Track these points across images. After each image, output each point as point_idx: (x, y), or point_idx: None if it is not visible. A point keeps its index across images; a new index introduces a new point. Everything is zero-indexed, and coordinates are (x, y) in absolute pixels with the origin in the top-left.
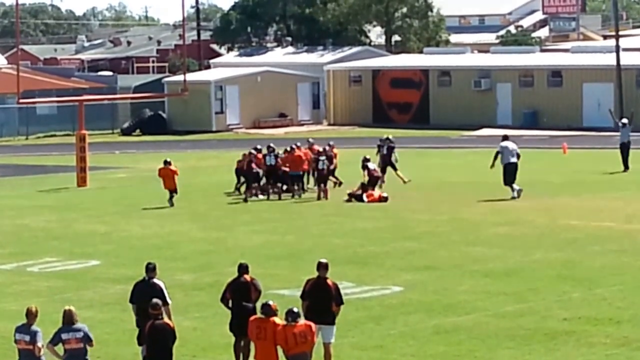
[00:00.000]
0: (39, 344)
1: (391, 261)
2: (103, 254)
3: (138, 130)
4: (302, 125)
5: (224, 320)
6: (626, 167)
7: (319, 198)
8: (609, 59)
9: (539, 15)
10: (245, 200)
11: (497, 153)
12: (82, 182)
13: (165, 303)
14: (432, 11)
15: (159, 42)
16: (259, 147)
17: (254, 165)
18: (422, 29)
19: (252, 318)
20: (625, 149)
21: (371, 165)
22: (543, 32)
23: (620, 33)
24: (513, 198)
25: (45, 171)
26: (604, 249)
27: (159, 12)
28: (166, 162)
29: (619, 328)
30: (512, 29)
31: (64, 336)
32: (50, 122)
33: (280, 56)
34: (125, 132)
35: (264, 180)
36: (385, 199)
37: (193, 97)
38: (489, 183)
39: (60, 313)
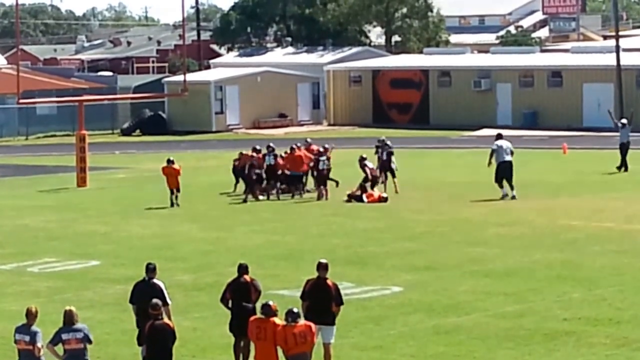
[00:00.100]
0: (39, 345)
1: (391, 261)
2: (103, 254)
3: (138, 131)
4: (302, 125)
5: (223, 320)
6: (625, 168)
7: (319, 198)
8: (609, 59)
9: (539, 16)
10: (245, 200)
11: (492, 151)
12: (82, 182)
13: (165, 303)
14: (432, 11)
15: (158, 43)
16: (258, 147)
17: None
18: (422, 29)
19: (252, 318)
20: (624, 149)
21: (369, 164)
22: (543, 33)
23: (620, 33)
24: (503, 197)
25: (45, 171)
26: (604, 249)
27: (158, 12)
28: (169, 161)
29: (618, 328)
30: (512, 29)
31: (64, 336)
32: (50, 122)
33: (280, 56)
34: (125, 133)
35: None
36: (385, 199)
37: (193, 98)
38: (489, 183)
39: (60, 313)
